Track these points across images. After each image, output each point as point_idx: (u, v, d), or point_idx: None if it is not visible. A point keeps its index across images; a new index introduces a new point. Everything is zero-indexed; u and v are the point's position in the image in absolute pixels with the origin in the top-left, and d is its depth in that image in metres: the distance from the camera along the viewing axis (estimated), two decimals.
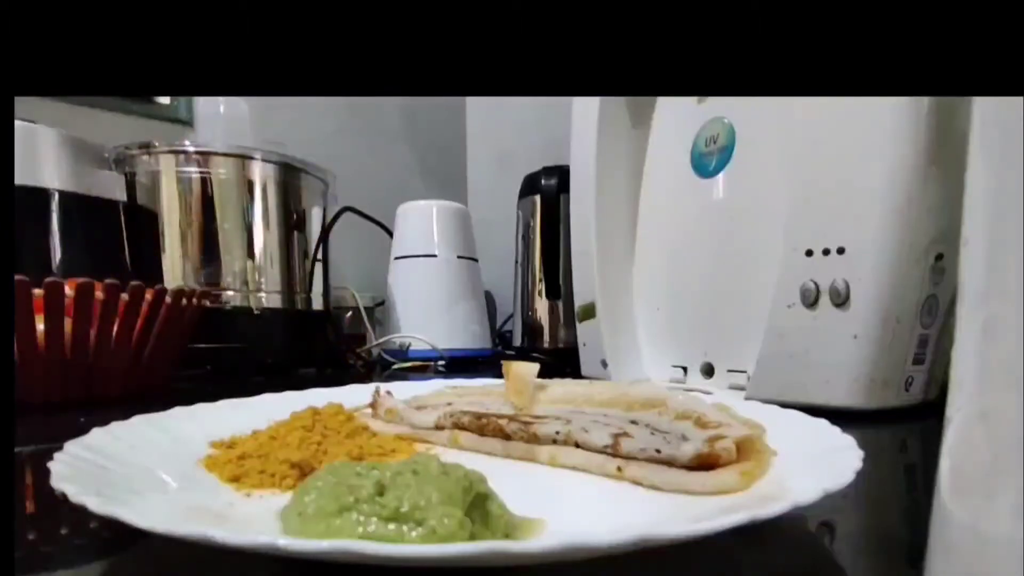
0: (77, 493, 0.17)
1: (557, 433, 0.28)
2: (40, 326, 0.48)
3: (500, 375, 0.38)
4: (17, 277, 0.44)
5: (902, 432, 0.40)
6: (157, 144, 0.72)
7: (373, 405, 0.37)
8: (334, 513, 0.17)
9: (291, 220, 0.80)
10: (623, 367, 0.61)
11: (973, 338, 0.13)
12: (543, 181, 0.82)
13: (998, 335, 0.12)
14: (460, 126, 1.40)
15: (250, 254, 0.76)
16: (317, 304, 0.85)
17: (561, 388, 0.36)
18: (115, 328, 0.52)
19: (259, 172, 0.76)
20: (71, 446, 0.23)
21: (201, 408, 0.34)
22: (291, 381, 0.30)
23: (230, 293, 0.75)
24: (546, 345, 0.87)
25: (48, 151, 0.69)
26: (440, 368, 0.85)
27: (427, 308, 0.90)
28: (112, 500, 0.18)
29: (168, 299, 0.56)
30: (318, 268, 0.85)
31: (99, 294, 0.50)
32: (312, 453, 0.27)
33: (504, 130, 1.29)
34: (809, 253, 0.43)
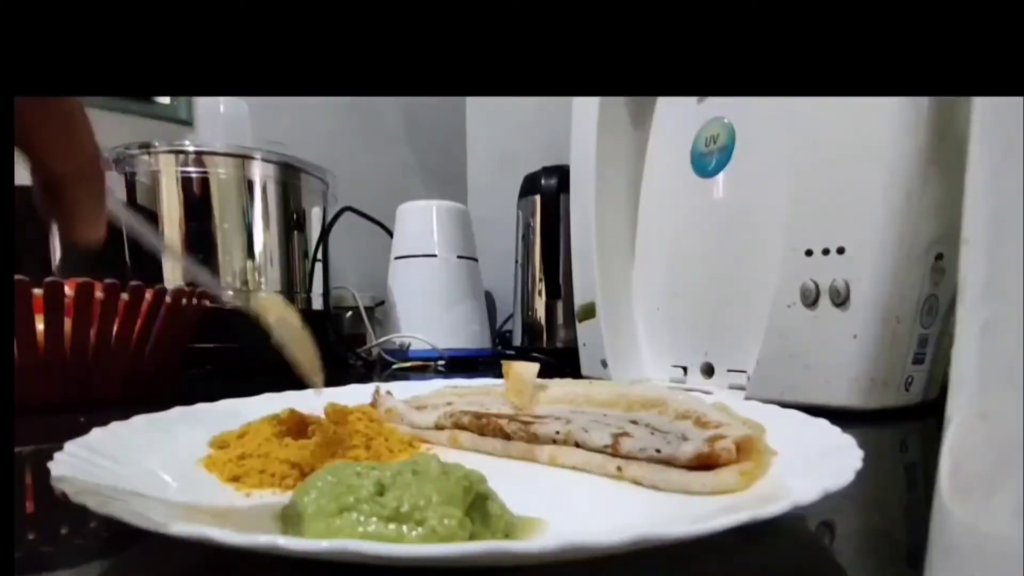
0: (77, 493, 0.17)
1: (557, 433, 0.28)
2: (40, 326, 0.48)
3: (500, 375, 0.38)
4: (17, 277, 0.44)
5: (902, 432, 0.40)
6: (157, 144, 0.72)
7: (373, 405, 0.37)
8: (334, 513, 0.17)
9: (291, 220, 0.80)
10: (623, 367, 0.61)
11: (973, 338, 0.13)
12: (543, 181, 0.82)
13: (998, 335, 0.12)
14: (460, 126, 1.40)
15: (250, 254, 0.76)
16: (317, 304, 0.85)
17: (561, 388, 0.36)
18: (115, 328, 0.52)
19: (259, 172, 0.76)
20: (71, 446, 0.23)
21: (201, 408, 0.34)
22: (291, 381, 0.30)
23: (230, 293, 0.75)
24: (546, 345, 0.87)
25: None
26: (440, 368, 0.85)
27: (427, 308, 0.90)
28: (112, 500, 0.18)
29: (168, 299, 0.56)
30: (318, 268, 0.85)
31: (99, 294, 0.50)
32: (311, 452, 0.27)
33: (504, 130, 1.29)
34: (809, 253, 0.43)
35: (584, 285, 0.65)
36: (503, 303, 1.15)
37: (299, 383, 0.32)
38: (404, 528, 0.16)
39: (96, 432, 0.26)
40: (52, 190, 0.19)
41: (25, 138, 0.17)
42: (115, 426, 0.27)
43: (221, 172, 0.74)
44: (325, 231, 0.86)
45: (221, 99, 0.79)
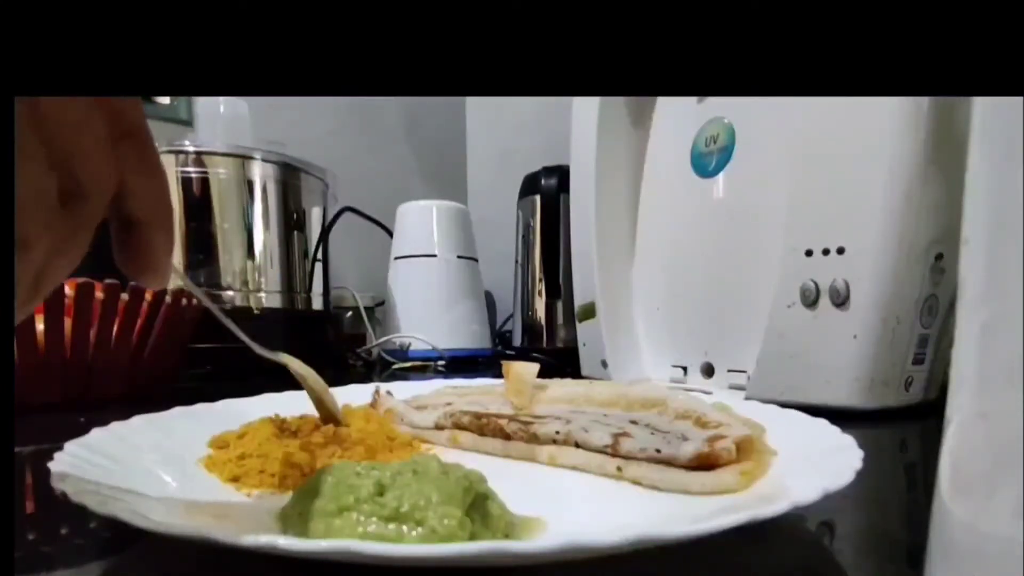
0: (77, 493, 0.17)
1: (557, 433, 0.28)
2: (40, 326, 0.48)
3: (500, 375, 0.38)
4: None
5: (902, 432, 0.40)
6: (157, 144, 0.72)
7: (373, 405, 0.37)
8: (334, 513, 0.17)
9: (291, 220, 0.80)
10: (623, 367, 0.61)
11: (973, 338, 0.13)
12: (543, 181, 0.82)
13: (998, 335, 0.12)
14: (460, 126, 1.40)
15: (250, 254, 0.76)
16: (317, 304, 0.85)
17: (561, 388, 0.36)
18: (115, 328, 0.52)
19: (259, 172, 0.76)
20: (71, 446, 0.23)
21: (201, 408, 0.34)
22: (291, 381, 0.30)
23: (230, 293, 0.75)
24: (546, 345, 0.87)
25: None
26: (440, 368, 0.85)
27: (427, 308, 0.90)
28: (112, 500, 0.18)
29: (168, 299, 0.56)
30: (318, 268, 0.85)
31: (99, 294, 0.50)
32: (311, 452, 0.27)
33: (504, 130, 1.29)
34: (809, 253, 0.43)
35: (584, 285, 0.65)
36: (503, 303, 1.15)
37: (298, 383, 0.32)
38: (404, 528, 0.16)
39: (96, 432, 0.26)
40: (132, 237, 0.18)
41: (123, 186, 0.17)
42: (115, 426, 0.27)
43: (221, 172, 0.74)
44: (325, 231, 0.86)
45: (221, 99, 0.79)
